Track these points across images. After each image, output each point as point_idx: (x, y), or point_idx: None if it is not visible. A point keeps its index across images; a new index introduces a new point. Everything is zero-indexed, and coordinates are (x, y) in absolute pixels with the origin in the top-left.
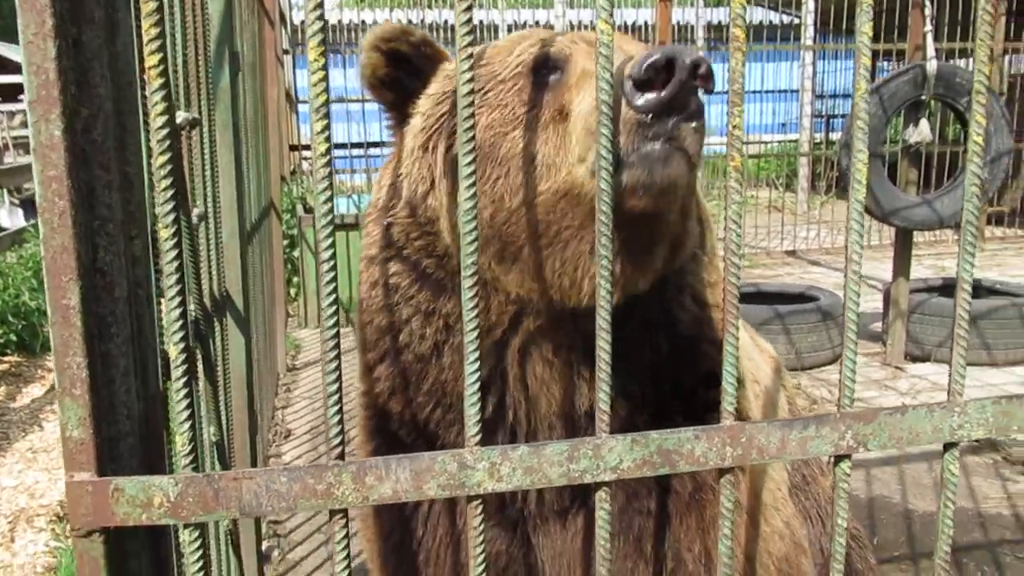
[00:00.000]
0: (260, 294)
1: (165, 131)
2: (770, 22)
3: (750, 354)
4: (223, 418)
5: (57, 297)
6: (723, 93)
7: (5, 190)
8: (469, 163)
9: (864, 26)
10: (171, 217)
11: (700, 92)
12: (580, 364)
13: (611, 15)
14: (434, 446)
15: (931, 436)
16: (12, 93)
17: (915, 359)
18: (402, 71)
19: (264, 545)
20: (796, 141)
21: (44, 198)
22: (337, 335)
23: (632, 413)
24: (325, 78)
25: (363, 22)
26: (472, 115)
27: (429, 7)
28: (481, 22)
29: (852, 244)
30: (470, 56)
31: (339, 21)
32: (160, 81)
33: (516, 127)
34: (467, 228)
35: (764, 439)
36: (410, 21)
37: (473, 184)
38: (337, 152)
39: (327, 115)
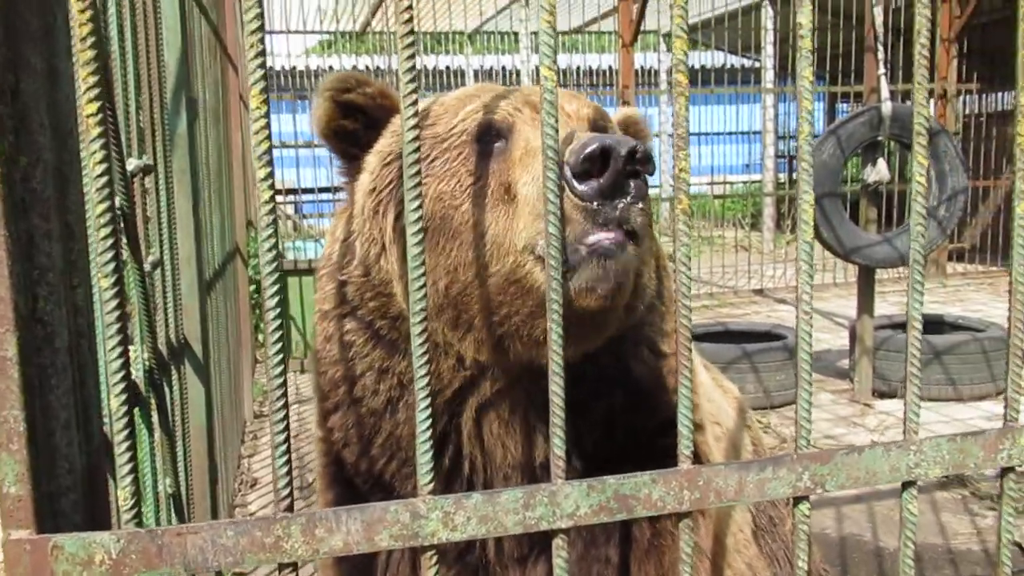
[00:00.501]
0: (225, 340)
1: (103, 179)
2: (731, 66)
3: (711, 396)
4: (180, 469)
5: None
6: (692, 134)
7: None
8: (418, 242)
9: (805, 71)
10: (110, 267)
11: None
12: (536, 418)
13: (554, 61)
14: (391, 496)
15: (888, 476)
16: None
17: (882, 395)
18: (357, 121)
19: None
20: (760, 181)
21: None
22: (284, 385)
23: (587, 464)
24: (267, 126)
25: (330, 67)
26: (419, 195)
27: (395, 52)
28: (448, 67)
29: (802, 284)
30: (415, 139)
31: (307, 66)
32: (98, 131)
33: (465, 201)
34: (416, 307)
35: (722, 482)
36: (378, 67)
37: (422, 271)
38: (306, 196)
39: (270, 162)
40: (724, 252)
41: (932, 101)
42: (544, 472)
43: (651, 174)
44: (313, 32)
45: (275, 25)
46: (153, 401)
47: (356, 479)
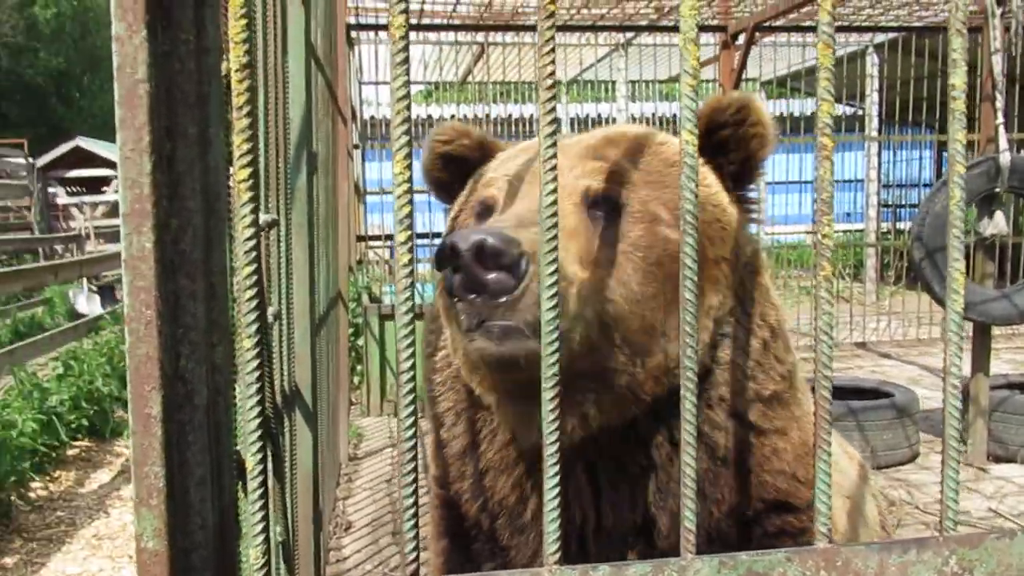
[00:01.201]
0: (326, 384)
1: (251, 243)
2: (835, 113)
3: (840, 465)
4: (289, 516)
5: (139, 406)
6: (794, 182)
7: (85, 278)
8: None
9: (957, 133)
10: (253, 327)
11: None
12: (623, 480)
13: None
14: (501, 549)
15: None
16: (96, 185)
17: (998, 459)
18: (460, 169)
19: None
20: (862, 231)
21: (132, 308)
22: (415, 448)
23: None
24: (410, 190)
25: (430, 116)
26: None
27: (494, 101)
28: None
29: (951, 357)
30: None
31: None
32: (249, 195)
33: None
34: (547, 372)
35: (861, 563)
36: (476, 115)
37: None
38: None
39: (410, 226)
40: None
41: None
42: (640, 537)
43: (506, 269)
44: (416, 82)
45: (378, 75)
46: (269, 450)
47: (469, 528)
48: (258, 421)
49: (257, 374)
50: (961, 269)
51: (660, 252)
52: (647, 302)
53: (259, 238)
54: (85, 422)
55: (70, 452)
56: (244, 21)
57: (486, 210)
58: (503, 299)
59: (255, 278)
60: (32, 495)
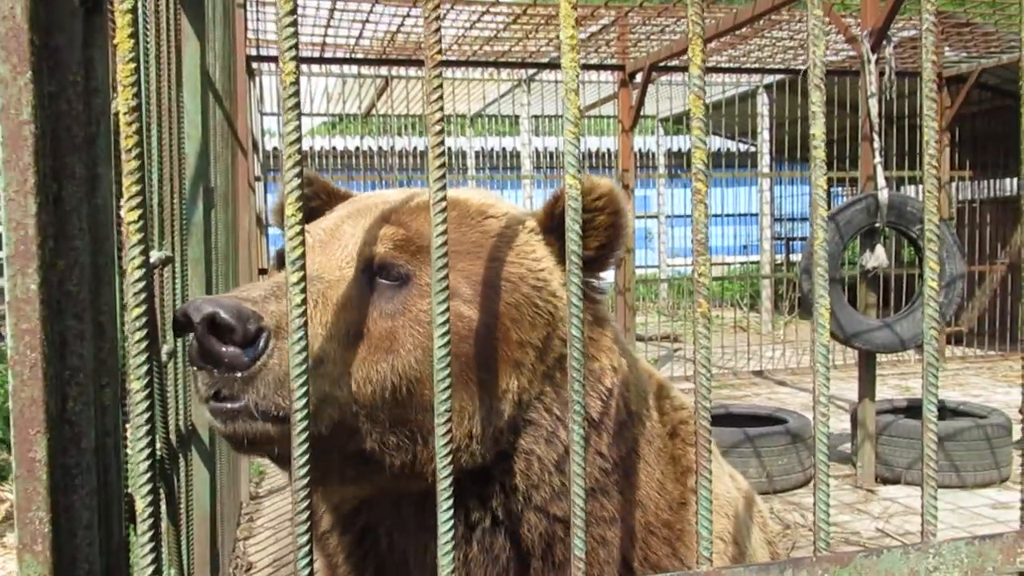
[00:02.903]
0: None
1: (141, 284)
2: (728, 150)
3: (727, 491)
4: (185, 558)
5: (23, 450)
6: (690, 216)
7: None
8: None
9: (819, 179)
10: (143, 369)
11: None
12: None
13: (578, 169)
14: None
15: None
16: None
17: (885, 481)
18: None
19: None
20: (758, 263)
21: (16, 350)
22: (307, 418)
23: None
24: (301, 233)
25: (333, 148)
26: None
27: (399, 134)
28: (450, 148)
29: (819, 385)
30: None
31: (310, 148)
32: (138, 237)
33: None
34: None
35: None
36: (380, 147)
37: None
38: None
39: (303, 267)
40: (723, 333)
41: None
42: None
43: (239, 344)
44: (319, 114)
45: (280, 107)
46: (163, 491)
47: None
48: (148, 462)
49: (148, 415)
50: (826, 305)
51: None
52: (429, 381)
53: (151, 278)
54: None
55: None
56: (132, 65)
57: (280, 263)
58: (238, 374)
59: (145, 319)
60: None
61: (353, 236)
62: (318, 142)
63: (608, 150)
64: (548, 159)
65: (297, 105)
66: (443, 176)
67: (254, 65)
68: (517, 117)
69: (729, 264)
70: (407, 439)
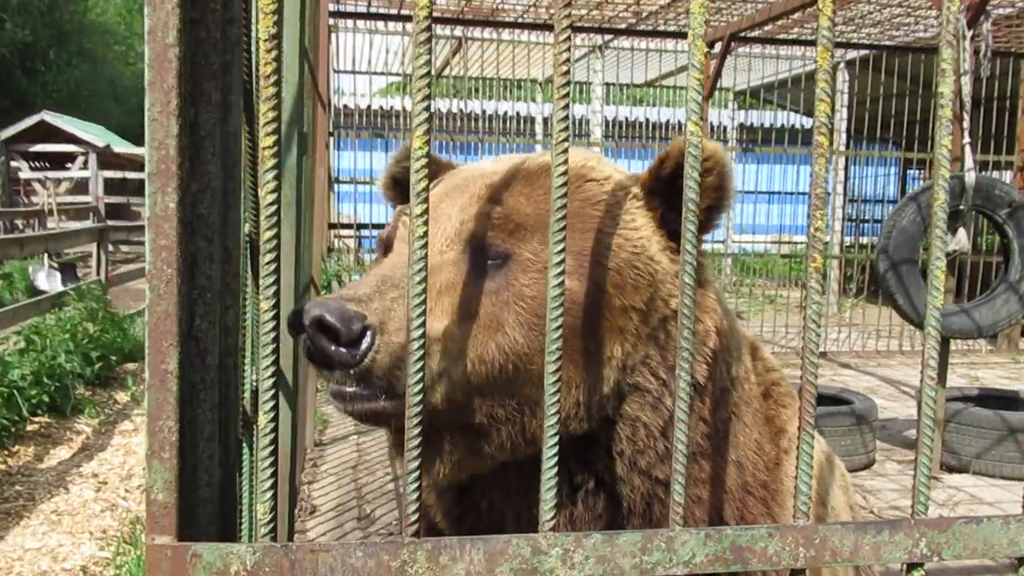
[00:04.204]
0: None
1: (273, 207)
2: (803, 127)
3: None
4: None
5: (156, 361)
6: (762, 192)
7: (46, 254)
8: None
9: (943, 139)
10: (272, 290)
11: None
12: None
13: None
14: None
15: (1006, 549)
16: (60, 161)
17: (951, 469)
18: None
19: None
20: (827, 243)
21: (153, 265)
22: (422, 402)
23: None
24: (428, 164)
25: (404, 108)
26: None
27: (470, 97)
28: (519, 113)
29: (929, 350)
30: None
31: (380, 107)
32: (272, 162)
33: None
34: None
35: (838, 541)
36: (450, 110)
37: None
38: (365, 232)
39: (426, 200)
40: (788, 312)
41: (1012, 173)
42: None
43: (341, 343)
44: (385, 74)
45: (355, 65)
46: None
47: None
48: (272, 380)
49: (274, 335)
50: (942, 268)
51: None
52: (535, 355)
53: (279, 204)
54: (46, 398)
55: (29, 428)
56: None
57: (385, 248)
58: (350, 371)
59: (275, 242)
60: None
61: (450, 217)
62: (388, 102)
63: (679, 121)
64: (617, 128)
65: (428, 74)
66: (566, 150)
67: (332, 21)
68: (589, 84)
69: (798, 243)
70: (515, 412)
